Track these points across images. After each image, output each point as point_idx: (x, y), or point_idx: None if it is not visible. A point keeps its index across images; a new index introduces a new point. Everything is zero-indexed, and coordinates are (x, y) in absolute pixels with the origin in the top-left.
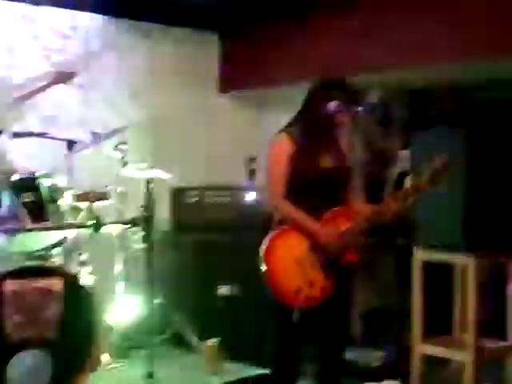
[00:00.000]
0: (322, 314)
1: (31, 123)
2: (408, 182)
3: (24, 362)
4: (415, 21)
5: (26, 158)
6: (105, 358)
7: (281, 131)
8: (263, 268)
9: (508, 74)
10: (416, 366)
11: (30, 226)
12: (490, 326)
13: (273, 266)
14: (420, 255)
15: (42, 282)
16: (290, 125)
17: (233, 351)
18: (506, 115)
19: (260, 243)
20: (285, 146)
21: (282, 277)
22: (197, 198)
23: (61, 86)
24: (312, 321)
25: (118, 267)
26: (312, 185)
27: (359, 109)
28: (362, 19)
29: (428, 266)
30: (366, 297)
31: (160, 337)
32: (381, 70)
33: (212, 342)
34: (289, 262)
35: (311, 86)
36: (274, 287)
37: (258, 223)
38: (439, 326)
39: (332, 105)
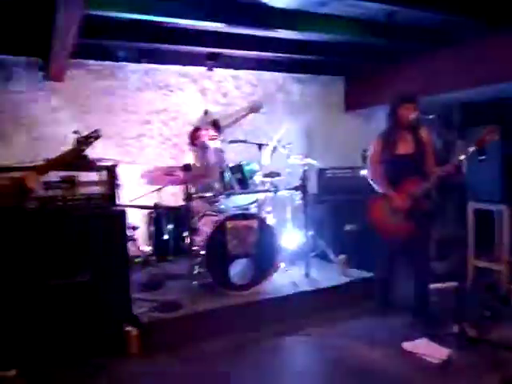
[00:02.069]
0: (412, 240)
1: (238, 135)
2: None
3: (238, 266)
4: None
5: (236, 154)
6: (282, 264)
7: (379, 135)
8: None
9: None
10: (470, 273)
11: (239, 191)
12: None
13: (374, 216)
14: (472, 205)
15: (247, 222)
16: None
17: (355, 262)
18: None
19: (368, 201)
20: (376, 144)
21: (380, 222)
22: (332, 174)
23: (253, 114)
24: (405, 245)
25: (288, 214)
26: (393, 165)
27: (433, 116)
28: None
29: (477, 212)
30: (439, 230)
31: (312, 253)
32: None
33: (342, 257)
34: (383, 214)
35: (390, 101)
36: (376, 228)
37: (367, 189)
38: (485, 248)
39: (409, 112)
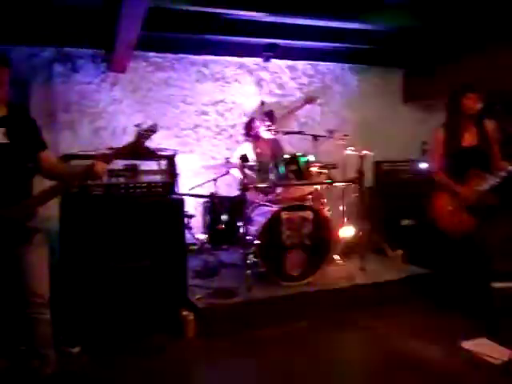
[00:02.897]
0: (474, 236)
1: (293, 126)
2: None
3: (292, 256)
4: None
5: (291, 145)
6: (336, 256)
7: (440, 126)
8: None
9: None
10: None
11: (294, 182)
12: None
13: (436, 211)
14: None
15: (302, 213)
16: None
17: (411, 258)
18: None
19: (426, 195)
20: (439, 135)
21: (441, 217)
22: (389, 167)
23: (308, 106)
24: (467, 241)
25: (343, 206)
26: (457, 158)
27: (497, 106)
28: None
29: None
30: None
31: (368, 247)
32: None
33: (399, 251)
34: (445, 209)
35: (452, 90)
36: (437, 223)
37: (426, 183)
38: None
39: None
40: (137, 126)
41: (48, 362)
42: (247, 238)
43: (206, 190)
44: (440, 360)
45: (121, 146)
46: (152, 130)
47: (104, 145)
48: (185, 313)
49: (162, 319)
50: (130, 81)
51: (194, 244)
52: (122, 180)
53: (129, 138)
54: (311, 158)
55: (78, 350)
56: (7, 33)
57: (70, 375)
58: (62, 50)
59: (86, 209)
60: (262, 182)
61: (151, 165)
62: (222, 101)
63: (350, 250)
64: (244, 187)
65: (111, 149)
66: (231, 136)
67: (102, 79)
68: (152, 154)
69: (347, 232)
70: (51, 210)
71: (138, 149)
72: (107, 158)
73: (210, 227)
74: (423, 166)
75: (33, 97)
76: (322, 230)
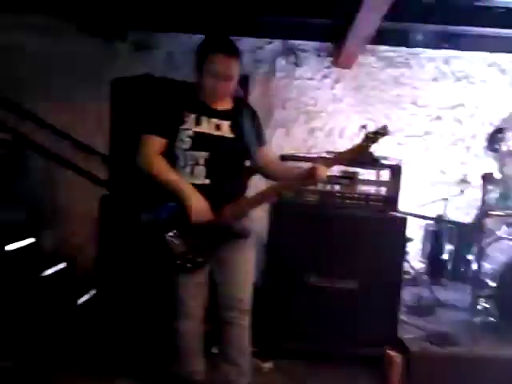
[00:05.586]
0: None
1: None
2: None
3: None
4: None
5: None
6: None
7: None
8: None
9: None
10: None
11: None
12: None
13: None
14: None
15: None
16: None
17: None
18: None
19: None
20: None
21: None
22: None
23: None
24: None
25: None
26: None
27: None
28: None
29: None
30: None
31: None
32: None
33: None
34: None
35: None
36: None
37: None
38: None
39: None
40: (363, 127)
41: (243, 372)
42: (480, 276)
43: (432, 212)
44: None
45: (345, 149)
46: (382, 133)
47: (317, 147)
48: (392, 352)
49: (363, 353)
50: (355, 77)
51: (408, 273)
52: (337, 188)
53: (345, 141)
54: None
55: (270, 365)
56: (236, 24)
57: None
58: (287, 42)
59: (297, 215)
60: (508, 209)
61: (369, 174)
62: (461, 105)
63: None
64: (483, 213)
65: (329, 152)
66: (469, 148)
67: (325, 75)
68: (375, 162)
69: None
70: (259, 211)
71: (363, 153)
72: (329, 162)
73: (431, 256)
74: None
75: (252, 91)
76: None
